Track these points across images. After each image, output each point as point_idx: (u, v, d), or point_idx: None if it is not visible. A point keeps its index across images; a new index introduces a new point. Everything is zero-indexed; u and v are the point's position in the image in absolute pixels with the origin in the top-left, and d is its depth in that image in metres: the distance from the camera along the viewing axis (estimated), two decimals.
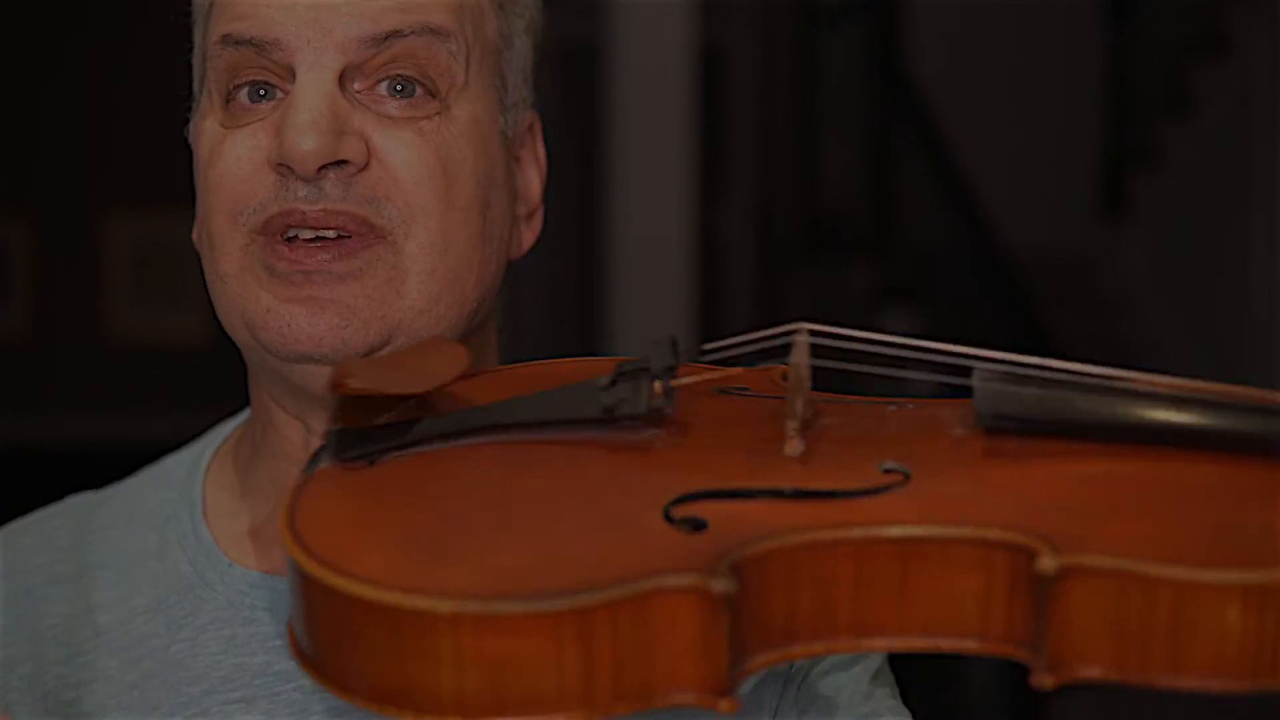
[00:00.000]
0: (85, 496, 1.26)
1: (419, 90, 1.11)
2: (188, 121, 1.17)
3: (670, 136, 4.98)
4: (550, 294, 6.61)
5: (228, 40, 1.10)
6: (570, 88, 5.96)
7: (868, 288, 6.38)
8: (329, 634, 0.88)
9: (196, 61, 1.17)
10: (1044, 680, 0.88)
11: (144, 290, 6.30)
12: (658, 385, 0.99)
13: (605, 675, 0.85)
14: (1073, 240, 6.73)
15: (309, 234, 1.08)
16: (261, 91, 1.11)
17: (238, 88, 1.11)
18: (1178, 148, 6.39)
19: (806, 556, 0.89)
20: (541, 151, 1.23)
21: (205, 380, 3.80)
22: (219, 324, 1.14)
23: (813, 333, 1.01)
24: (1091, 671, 0.88)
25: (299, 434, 1.15)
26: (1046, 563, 0.86)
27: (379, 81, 1.10)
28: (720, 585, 0.85)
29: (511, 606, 0.84)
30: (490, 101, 1.15)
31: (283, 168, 1.08)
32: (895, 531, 0.89)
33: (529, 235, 1.20)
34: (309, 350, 1.08)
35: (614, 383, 1.01)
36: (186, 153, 1.15)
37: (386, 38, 1.09)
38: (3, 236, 6.27)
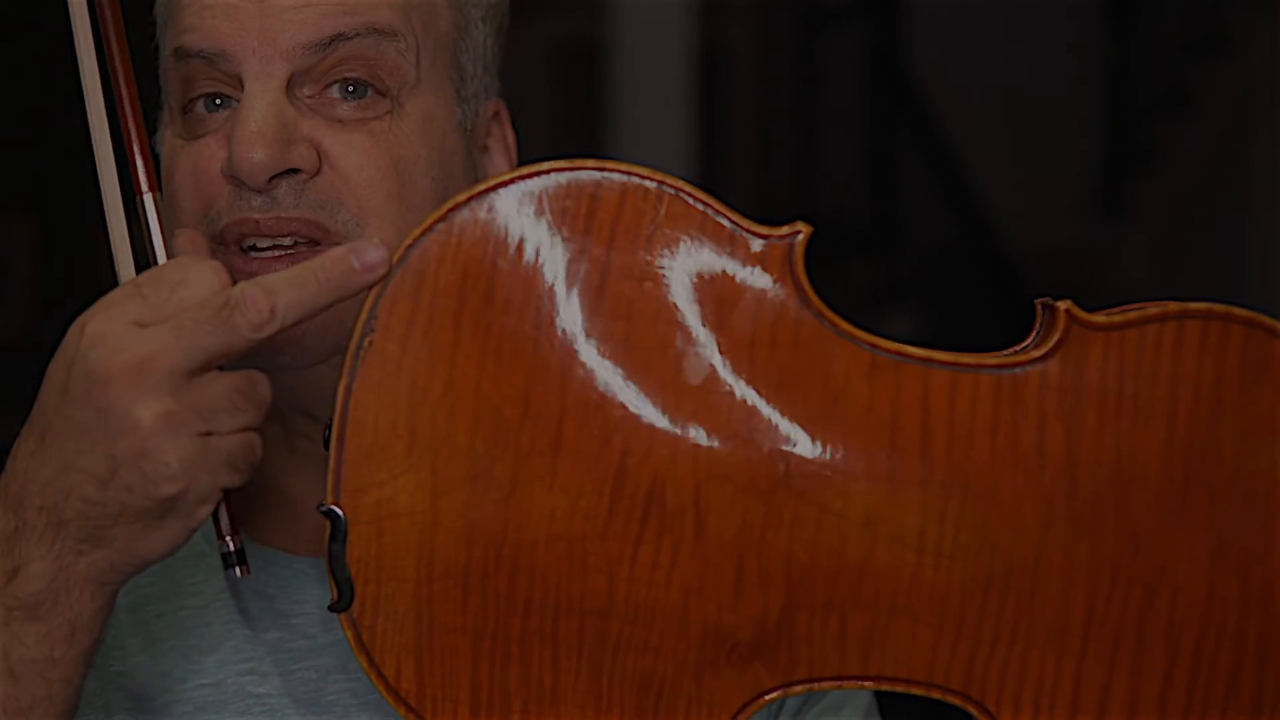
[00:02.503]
0: None
1: (370, 91, 1.10)
2: (155, 131, 1.17)
3: (670, 136, 4.98)
4: None
5: (179, 54, 1.11)
6: (570, 88, 5.96)
7: (868, 288, 6.38)
8: None
9: (160, 71, 1.17)
10: None
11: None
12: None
13: None
14: (1073, 240, 6.72)
15: (266, 243, 1.08)
16: (217, 101, 1.11)
17: (193, 100, 1.11)
18: (1178, 148, 6.39)
19: None
20: (511, 137, 1.22)
21: None
22: None
23: None
24: None
25: (279, 435, 1.15)
26: None
27: (329, 85, 1.10)
28: None
29: None
30: (445, 95, 1.14)
31: (235, 179, 1.08)
32: None
33: None
34: (268, 358, 1.05)
35: None
36: None
37: (331, 41, 1.09)
38: (3, 236, 6.27)
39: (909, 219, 6.54)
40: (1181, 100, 6.42)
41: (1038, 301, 1.01)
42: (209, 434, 0.92)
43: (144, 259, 1.03)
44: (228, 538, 1.00)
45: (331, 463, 0.96)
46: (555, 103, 5.90)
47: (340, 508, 0.96)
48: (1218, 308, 0.99)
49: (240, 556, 1.00)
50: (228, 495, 0.99)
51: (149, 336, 0.92)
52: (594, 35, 5.27)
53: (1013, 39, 6.78)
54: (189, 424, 0.92)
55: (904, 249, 6.52)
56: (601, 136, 5.19)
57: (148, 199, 1.02)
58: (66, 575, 0.94)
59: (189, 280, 0.94)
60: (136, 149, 1.03)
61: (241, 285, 0.94)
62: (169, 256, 1.02)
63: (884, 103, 6.59)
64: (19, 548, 0.94)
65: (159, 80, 1.17)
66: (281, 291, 0.94)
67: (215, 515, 0.99)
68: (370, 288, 0.95)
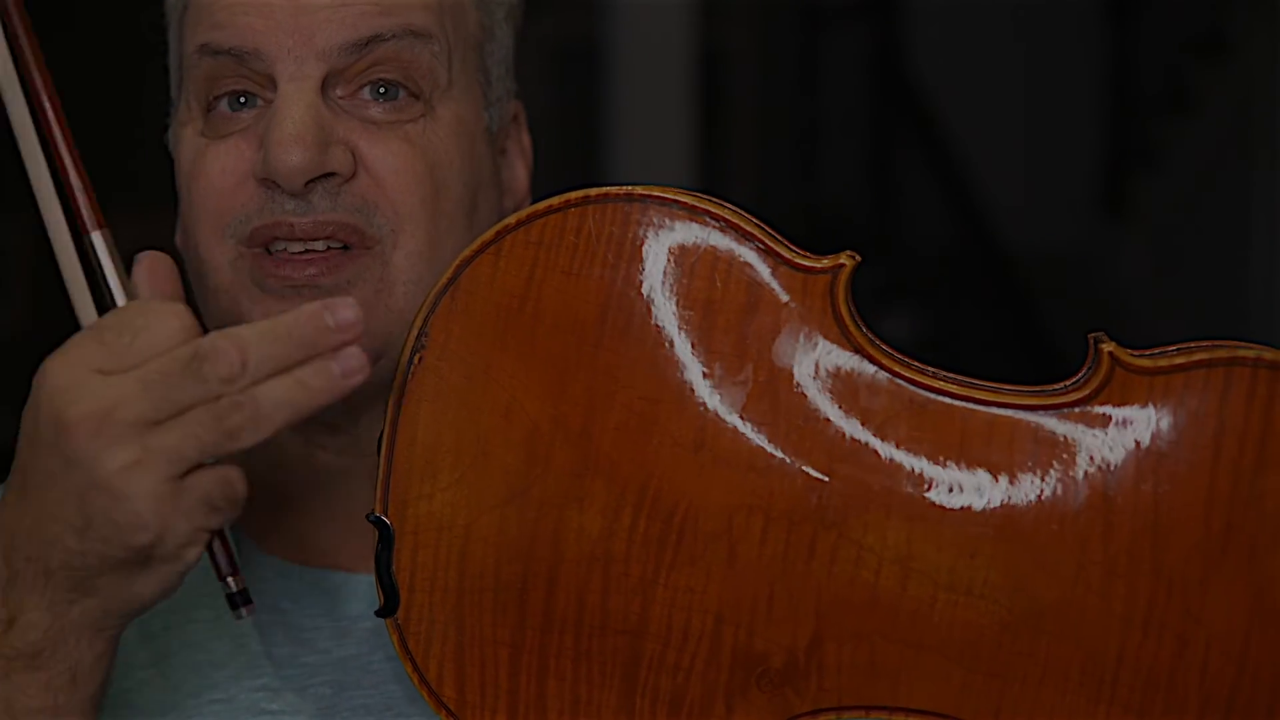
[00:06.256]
0: None
1: (402, 93, 1.09)
2: (166, 128, 1.15)
3: (670, 136, 4.98)
4: None
5: (205, 50, 1.08)
6: (570, 88, 5.95)
7: (868, 288, 6.36)
8: None
9: (173, 66, 1.15)
10: None
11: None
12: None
13: None
14: (1073, 240, 6.72)
15: (298, 246, 1.07)
16: (242, 99, 1.09)
17: (218, 98, 1.09)
18: (1178, 147, 6.38)
19: None
20: (527, 141, 1.21)
21: None
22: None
23: None
24: None
25: (299, 447, 1.14)
26: None
27: (361, 86, 1.09)
28: None
29: None
30: (474, 99, 1.13)
31: (269, 181, 1.06)
32: None
33: None
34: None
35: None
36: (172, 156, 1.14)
37: (368, 43, 1.07)
38: (2, 235, 6.27)
39: (909, 219, 6.53)
40: (1181, 100, 6.41)
41: (1090, 336, 0.98)
42: (182, 476, 0.90)
43: (100, 297, 0.98)
44: (229, 579, 0.96)
45: (380, 474, 0.98)
46: (555, 103, 5.90)
47: (388, 518, 0.98)
48: (1268, 354, 0.95)
49: (244, 597, 0.97)
50: (237, 527, 0.98)
51: (113, 385, 0.89)
52: (594, 35, 5.27)
53: (1013, 39, 6.77)
54: (157, 470, 0.89)
55: (904, 249, 6.51)
56: (601, 136, 5.18)
57: (97, 238, 0.98)
58: (61, 624, 0.93)
59: (151, 325, 0.91)
60: (78, 187, 0.99)
61: (212, 336, 0.90)
62: (124, 291, 0.97)
63: (885, 103, 6.58)
64: (13, 597, 0.93)
65: (169, 75, 1.16)
66: (253, 345, 0.90)
67: (212, 555, 0.96)
68: (345, 346, 0.91)
